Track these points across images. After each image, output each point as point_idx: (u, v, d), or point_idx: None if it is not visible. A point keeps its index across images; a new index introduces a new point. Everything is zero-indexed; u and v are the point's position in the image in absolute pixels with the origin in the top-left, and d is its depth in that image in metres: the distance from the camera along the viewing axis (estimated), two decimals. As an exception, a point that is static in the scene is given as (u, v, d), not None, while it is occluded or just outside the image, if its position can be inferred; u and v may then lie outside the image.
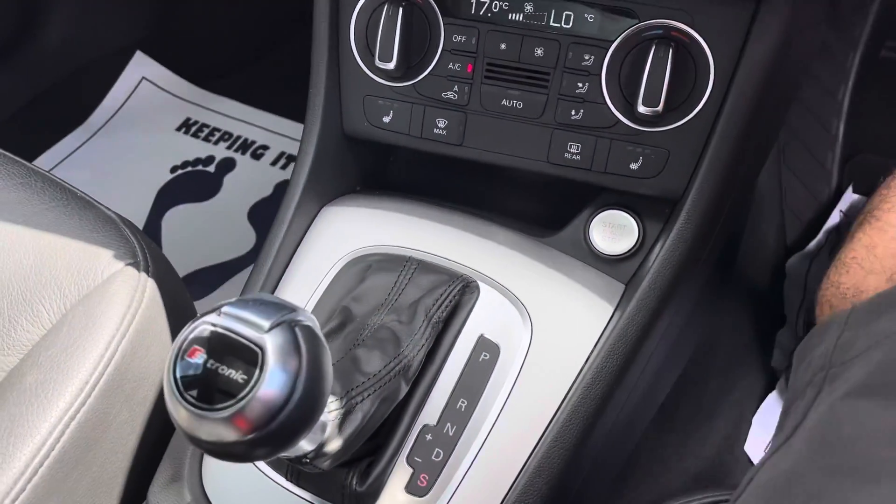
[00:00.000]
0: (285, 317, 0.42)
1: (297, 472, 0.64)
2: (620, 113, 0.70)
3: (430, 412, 0.67)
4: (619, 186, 0.73)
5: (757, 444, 1.12)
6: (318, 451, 0.54)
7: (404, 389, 0.64)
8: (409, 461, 0.65)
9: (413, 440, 0.66)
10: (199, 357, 0.41)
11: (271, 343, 0.41)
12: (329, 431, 0.54)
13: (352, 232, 0.78)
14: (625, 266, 0.76)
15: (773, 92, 0.69)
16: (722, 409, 1.13)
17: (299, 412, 0.42)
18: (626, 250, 0.75)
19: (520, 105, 0.73)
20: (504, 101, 0.73)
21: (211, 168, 1.68)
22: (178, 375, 0.42)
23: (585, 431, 0.64)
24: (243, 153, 1.71)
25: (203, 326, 0.42)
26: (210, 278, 1.50)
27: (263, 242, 0.77)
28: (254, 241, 1.54)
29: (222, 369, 0.41)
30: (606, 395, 0.65)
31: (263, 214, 1.59)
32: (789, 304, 1.27)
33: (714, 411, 1.11)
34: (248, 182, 1.65)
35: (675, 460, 1.03)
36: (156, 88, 1.83)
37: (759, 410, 1.17)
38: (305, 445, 0.53)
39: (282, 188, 1.64)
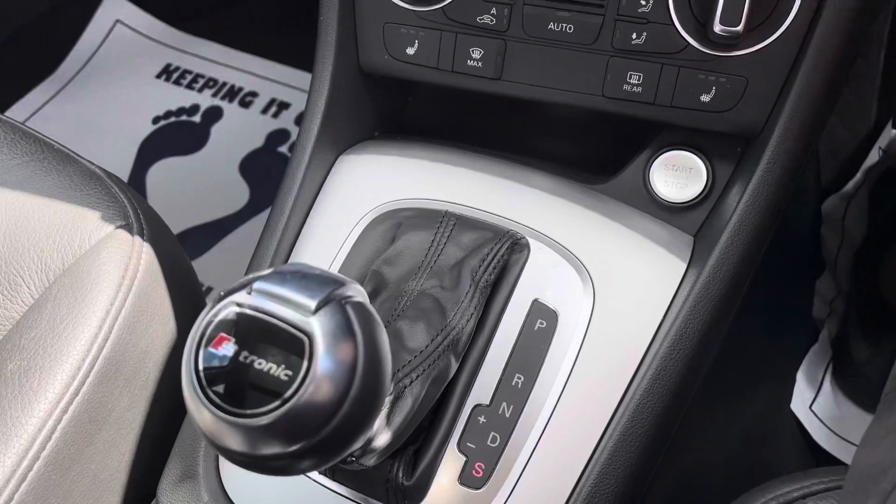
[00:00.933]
0: (334, 293, 0.32)
1: (332, 466, 0.55)
2: (690, 35, 0.60)
3: (482, 391, 0.58)
4: (687, 123, 0.63)
5: (803, 400, 1.06)
6: (365, 447, 0.45)
7: (454, 366, 0.55)
8: (461, 448, 0.56)
9: (464, 424, 0.57)
10: (226, 347, 0.31)
11: (320, 327, 0.31)
12: (377, 424, 0.45)
13: (376, 184, 0.68)
14: (691, 215, 0.66)
15: (871, 2, 0.59)
16: (766, 366, 1.05)
17: (357, 413, 0.33)
18: (693, 197, 0.66)
19: (570, 29, 0.62)
20: (551, 25, 0.63)
21: (196, 118, 1.56)
22: (200, 368, 0.32)
23: (667, 408, 0.56)
24: (230, 101, 1.58)
25: (230, 308, 0.32)
26: (202, 238, 1.39)
27: (259, 198, 0.67)
28: (247, 196, 1.43)
29: (259, 363, 0.31)
30: (690, 366, 0.56)
31: (256, 167, 1.48)
32: (827, 248, 1.20)
33: (759, 369, 1.04)
34: (238, 132, 1.53)
35: (723, 421, 0.97)
36: (131, 32, 1.68)
37: (802, 365, 1.10)
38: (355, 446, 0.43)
39: (275, 138, 1.52)
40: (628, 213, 0.66)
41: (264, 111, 1.56)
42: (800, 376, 1.07)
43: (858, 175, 1.19)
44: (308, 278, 0.33)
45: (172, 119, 1.56)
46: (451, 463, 0.56)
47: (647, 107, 0.63)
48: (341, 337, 0.32)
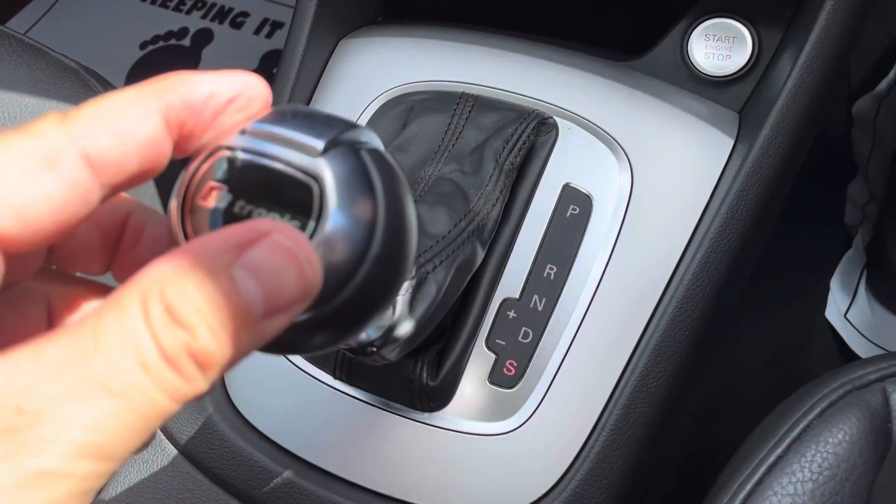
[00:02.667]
0: (345, 135, 0.26)
1: (348, 367, 0.50)
2: None
3: (510, 284, 0.52)
4: (730, -17, 0.56)
5: (837, 308, 1.00)
6: (387, 336, 0.39)
7: (481, 254, 0.49)
8: (490, 345, 0.51)
9: (492, 319, 0.51)
10: (217, 199, 0.24)
11: (331, 171, 0.24)
12: (399, 311, 0.40)
13: (383, 68, 0.61)
14: (735, 90, 0.60)
15: None
16: (799, 275, 1.00)
17: (378, 277, 0.26)
18: (737, 69, 0.59)
19: None
20: None
21: (186, 42, 1.47)
22: (188, 230, 0.26)
23: (719, 293, 0.50)
24: (221, 22, 1.49)
25: (221, 154, 0.25)
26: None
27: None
28: (243, 121, 1.35)
29: (258, 213, 0.25)
30: (744, 246, 0.51)
31: (251, 90, 1.40)
32: (858, 151, 1.13)
33: (791, 278, 0.98)
34: (230, 55, 1.44)
35: (757, 331, 0.92)
36: (111, -48, 1.59)
37: (836, 273, 1.04)
38: (371, 330, 0.38)
39: (270, 59, 1.44)
40: (665, 88, 0.59)
41: (257, 32, 1.47)
42: (833, 284, 1.02)
43: (892, 73, 1.11)
44: (313, 118, 0.27)
45: (161, 44, 1.48)
46: (479, 361, 0.51)
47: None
48: (357, 184, 0.26)
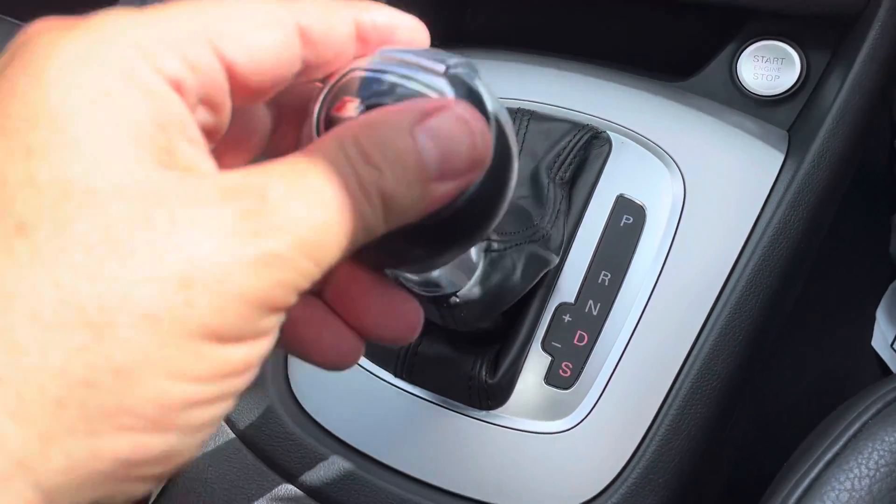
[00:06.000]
0: (461, 68, 0.28)
1: (409, 365, 0.52)
2: None
3: (566, 288, 0.54)
4: (778, 7, 0.58)
5: (884, 338, 1.00)
6: (468, 293, 0.41)
7: (555, 259, 0.51)
8: (546, 347, 0.52)
9: (548, 322, 0.53)
10: (350, 110, 0.27)
11: (452, 89, 0.27)
12: (477, 275, 0.42)
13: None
14: (783, 109, 0.61)
15: None
16: (844, 304, 1.00)
17: (487, 191, 0.28)
18: (786, 89, 0.61)
19: None
20: None
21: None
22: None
23: (772, 301, 0.51)
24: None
25: (354, 74, 0.28)
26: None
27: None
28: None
29: None
30: (795, 257, 0.52)
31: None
32: (902, 183, 1.13)
33: (837, 308, 0.98)
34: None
35: (802, 359, 0.91)
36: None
37: (882, 303, 1.04)
38: (456, 277, 0.40)
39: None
40: (715, 107, 0.61)
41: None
42: (879, 314, 1.01)
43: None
44: (433, 50, 0.29)
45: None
46: (535, 362, 0.52)
47: (736, -11, 0.58)
48: (472, 101, 0.28)
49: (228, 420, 0.56)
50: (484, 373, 0.50)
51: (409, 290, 0.39)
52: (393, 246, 0.26)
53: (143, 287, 0.18)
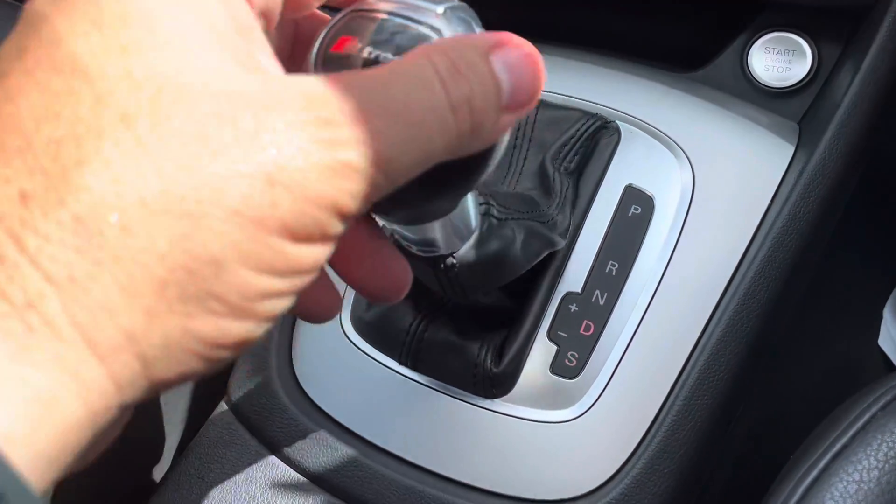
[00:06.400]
0: (456, 7, 0.28)
1: (414, 354, 0.51)
2: None
3: (573, 277, 0.53)
4: (790, -3, 0.58)
5: (891, 335, 0.99)
6: (465, 256, 0.41)
7: (560, 242, 0.50)
8: (552, 336, 0.52)
9: (554, 311, 0.53)
10: (348, 48, 0.27)
11: (449, 27, 0.27)
12: (474, 238, 0.41)
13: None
14: (794, 101, 0.61)
15: None
16: (851, 301, 0.99)
17: None
18: (797, 81, 0.60)
19: None
20: None
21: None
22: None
23: (780, 293, 0.51)
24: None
25: (352, 15, 0.28)
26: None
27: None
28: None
29: (384, 57, 0.27)
30: (804, 248, 0.51)
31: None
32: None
33: (843, 305, 0.98)
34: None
35: (807, 357, 0.91)
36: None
37: (889, 301, 1.03)
38: (451, 236, 0.39)
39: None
40: (725, 98, 0.61)
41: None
42: (887, 312, 1.01)
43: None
44: None
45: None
46: (541, 351, 0.52)
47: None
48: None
49: (232, 406, 0.56)
50: (489, 361, 0.50)
51: (405, 252, 0.39)
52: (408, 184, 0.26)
53: (235, 184, 0.20)
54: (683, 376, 0.50)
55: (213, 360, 0.21)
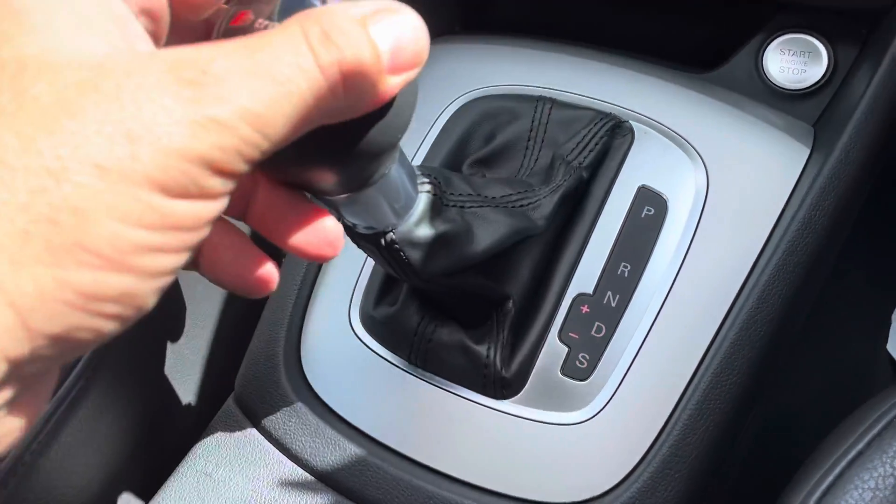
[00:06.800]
0: None
1: (423, 353, 0.51)
2: None
3: (584, 279, 0.53)
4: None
5: (899, 341, 0.99)
6: (406, 234, 0.41)
7: (538, 227, 0.49)
8: (563, 338, 0.52)
9: (565, 313, 0.52)
10: (245, 20, 0.28)
11: (337, 2, 0.28)
12: (419, 213, 0.41)
13: (459, 72, 0.63)
14: (809, 104, 0.60)
15: None
16: (859, 308, 0.98)
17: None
18: (812, 83, 0.60)
19: None
20: None
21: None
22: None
23: (795, 295, 0.50)
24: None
25: None
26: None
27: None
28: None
29: (272, 27, 0.28)
30: (820, 251, 0.51)
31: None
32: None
33: (852, 311, 0.97)
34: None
35: (815, 363, 0.90)
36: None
37: (897, 305, 1.03)
38: (380, 210, 0.38)
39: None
40: (740, 99, 0.60)
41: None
42: (895, 318, 1.00)
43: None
44: None
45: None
46: (551, 353, 0.51)
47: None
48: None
49: (240, 403, 0.56)
50: (499, 361, 0.50)
51: (351, 231, 0.39)
52: (303, 148, 0.27)
53: (93, 140, 0.21)
54: (696, 379, 0.50)
55: (102, 315, 0.22)
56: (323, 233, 0.30)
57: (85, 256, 0.21)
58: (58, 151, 0.20)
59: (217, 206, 0.23)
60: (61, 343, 0.21)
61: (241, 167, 0.23)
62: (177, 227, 0.22)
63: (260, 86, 0.22)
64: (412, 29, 0.25)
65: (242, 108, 0.22)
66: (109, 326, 0.22)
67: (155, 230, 0.22)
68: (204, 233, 0.23)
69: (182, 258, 0.23)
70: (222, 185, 0.23)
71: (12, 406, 0.23)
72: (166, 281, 0.23)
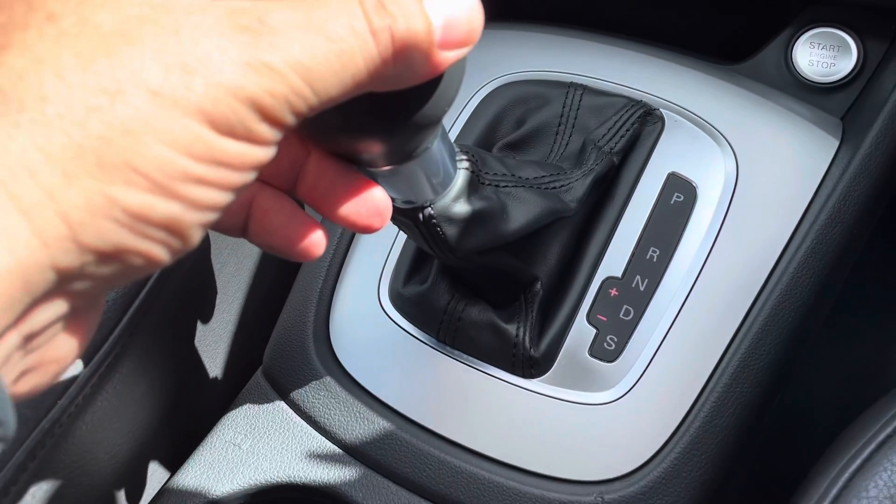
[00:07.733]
0: None
1: (452, 331, 0.52)
2: None
3: (613, 263, 0.53)
4: (839, -7, 0.58)
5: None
6: (444, 209, 0.41)
7: (571, 208, 0.50)
8: (591, 320, 0.52)
9: (594, 295, 0.53)
10: None
11: None
12: (457, 189, 0.42)
13: (490, 58, 0.64)
14: (838, 97, 0.61)
15: None
16: (876, 305, 0.99)
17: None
18: (842, 77, 0.60)
19: None
20: None
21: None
22: None
23: (823, 284, 0.51)
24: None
25: None
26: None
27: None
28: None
29: None
30: (848, 242, 0.51)
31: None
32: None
33: (869, 308, 0.98)
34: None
35: (832, 359, 0.91)
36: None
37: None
38: (419, 184, 0.39)
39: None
40: (769, 91, 0.61)
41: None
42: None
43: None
44: None
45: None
46: (580, 334, 0.52)
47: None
48: None
49: (268, 375, 0.57)
50: (528, 341, 0.50)
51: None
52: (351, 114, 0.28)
53: (150, 67, 0.21)
54: (723, 363, 0.50)
55: (145, 236, 0.22)
56: (372, 203, 0.31)
57: (134, 177, 0.21)
58: (115, 74, 0.21)
59: (262, 154, 0.24)
60: (110, 262, 0.22)
61: (289, 118, 0.23)
62: (223, 164, 0.23)
63: (313, 41, 0.23)
64: (467, 8, 0.26)
65: (294, 59, 0.23)
66: (157, 252, 0.23)
67: (202, 162, 0.22)
68: (248, 177, 0.24)
69: (226, 197, 0.23)
70: (269, 132, 0.23)
71: (66, 325, 0.24)
72: (211, 217, 0.23)
